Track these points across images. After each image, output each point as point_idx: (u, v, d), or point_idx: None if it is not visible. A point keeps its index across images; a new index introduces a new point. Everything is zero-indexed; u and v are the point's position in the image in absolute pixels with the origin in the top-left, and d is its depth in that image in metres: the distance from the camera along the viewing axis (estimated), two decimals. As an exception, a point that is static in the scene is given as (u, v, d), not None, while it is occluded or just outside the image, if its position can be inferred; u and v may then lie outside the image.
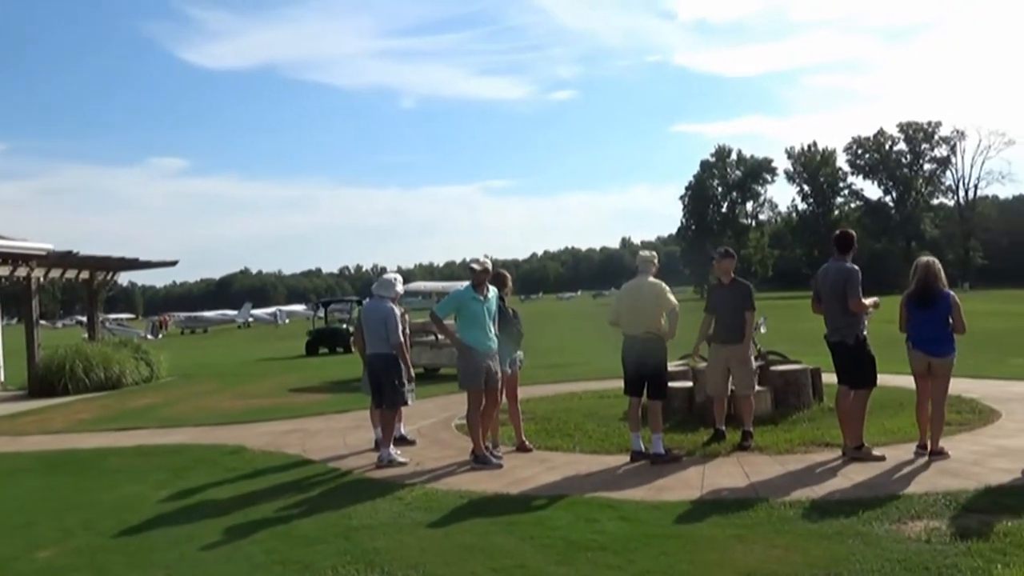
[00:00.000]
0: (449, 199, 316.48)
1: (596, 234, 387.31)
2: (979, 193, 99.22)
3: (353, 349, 14.91)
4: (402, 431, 9.07)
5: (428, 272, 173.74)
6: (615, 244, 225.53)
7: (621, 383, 13.52)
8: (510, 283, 8.71)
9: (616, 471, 7.32)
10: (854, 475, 6.74)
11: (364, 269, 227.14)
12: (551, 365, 17.03)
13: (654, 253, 8.17)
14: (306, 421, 11.52)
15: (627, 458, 7.75)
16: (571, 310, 70.51)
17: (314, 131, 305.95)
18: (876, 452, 7.33)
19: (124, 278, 26.16)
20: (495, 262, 8.39)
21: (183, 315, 79.07)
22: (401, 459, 8.09)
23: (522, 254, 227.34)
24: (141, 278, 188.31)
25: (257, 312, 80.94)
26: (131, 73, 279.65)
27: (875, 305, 7.55)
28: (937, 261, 7.58)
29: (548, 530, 5.53)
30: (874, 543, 4.94)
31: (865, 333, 7.41)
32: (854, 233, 7.84)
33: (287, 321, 73.93)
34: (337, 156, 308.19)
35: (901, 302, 7.56)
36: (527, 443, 8.49)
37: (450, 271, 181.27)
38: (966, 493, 5.94)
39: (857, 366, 7.40)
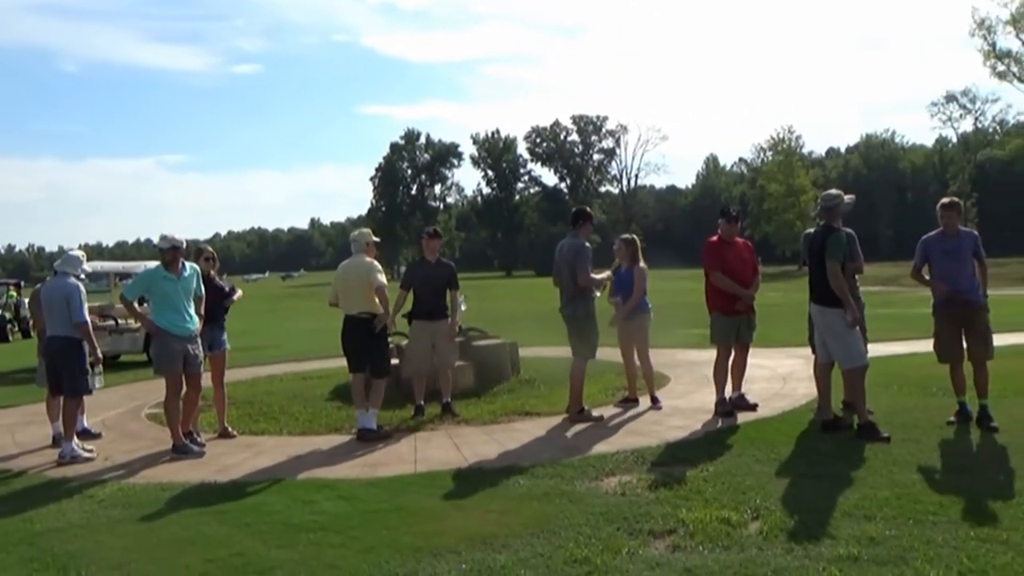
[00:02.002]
0: (119, 174, 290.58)
1: (284, 214, 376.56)
2: (639, 183, 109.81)
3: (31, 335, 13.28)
4: (84, 424, 8.24)
5: (97, 253, 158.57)
6: (304, 225, 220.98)
7: (321, 364, 13.48)
8: (204, 257, 8.19)
9: (328, 451, 7.23)
10: (554, 439, 7.26)
11: (17, 250, 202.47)
12: (246, 348, 16.37)
13: (368, 231, 8.16)
14: (-39, 420, 10.07)
15: (338, 438, 7.69)
16: (260, 292, 68.04)
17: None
18: (595, 413, 8.03)
19: None
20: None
21: None
22: (87, 454, 7.36)
23: (204, 234, 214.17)
24: None
25: None
26: None
27: (610, 279, 8.22)
28: None
29: (264, 515, 5.33)
30: (578, 500, 5.34)
31: (592, 309, 7.97)
32: (587, 209, 8.40)
33: (-80, 309, 63.90)
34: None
35: (613, 273, 8.59)
36: (230, 429, 8.11)
37: (122, 252, 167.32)
38: (650, 449, 6.62)
39: (582, 336, 7.94)
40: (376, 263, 7.81)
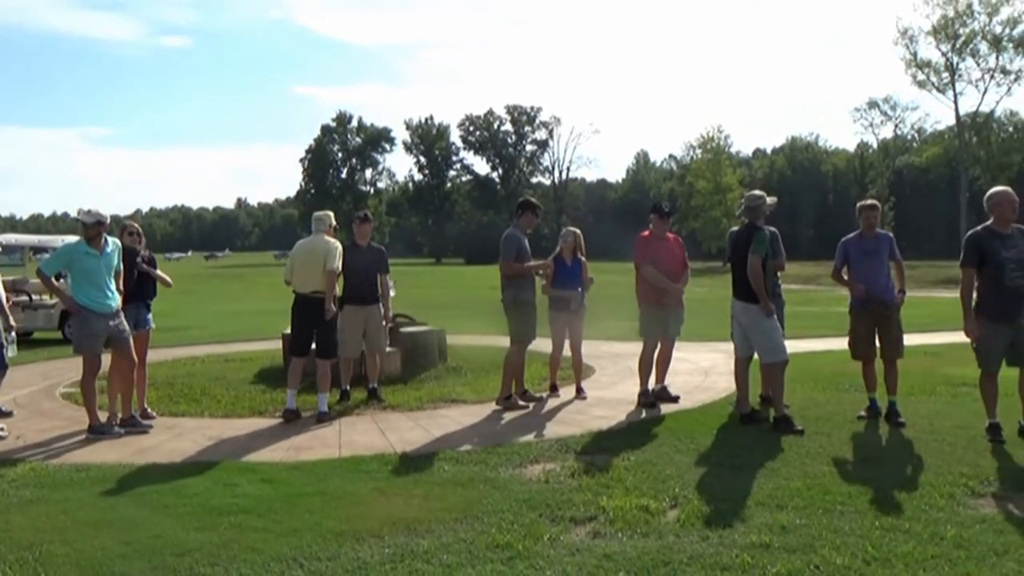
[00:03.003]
0: (37, 144, 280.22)
1: (210, 193, 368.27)
2: (571, 175, 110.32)
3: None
4: (-6, 402, 7.99)
5: (10, 226, 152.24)
6: (230, 204, 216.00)
7: (245, 346, 13.28)
8: (128, 232, 8.01)
9: (252, 434, 7.14)
10: (480, 427, 7.31)
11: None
12: (167, 329, 15.98)
13: (330, 214, 8.20)
14: None
15: (262, 421, 7.63)
16: (182, 272, 66.34)
17: None
18: (520, 403, 8.13)
19: None
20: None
21: None
22: (-2, 432, 7.14)
23: (124, 210, 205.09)
24: None
25: None
26: None
27: (542, 267, 8.29)
28: None
29: (184, 498, 5.25)
30: (501, 486, 5.40)
31: (525, 297, 8.05)
32: (529, 200, 8.55)
33: None
34: None
35: (554, 261, 8.69)
36: (149, 410, 7.95)
37: (37, 225, 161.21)
38: (574, 438, 6.72)
39: (511, 322, 8.07)
40: (338, 245, 7.82)
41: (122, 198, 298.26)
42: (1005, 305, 6.29)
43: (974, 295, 6.48)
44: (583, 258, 8.82)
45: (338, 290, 8.52)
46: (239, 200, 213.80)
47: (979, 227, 6.52)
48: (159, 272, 8.15)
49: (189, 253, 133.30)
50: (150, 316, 8.13)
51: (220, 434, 7.13)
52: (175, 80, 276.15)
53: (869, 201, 7.68)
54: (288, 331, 8.22)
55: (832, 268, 7.72)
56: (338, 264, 7.67)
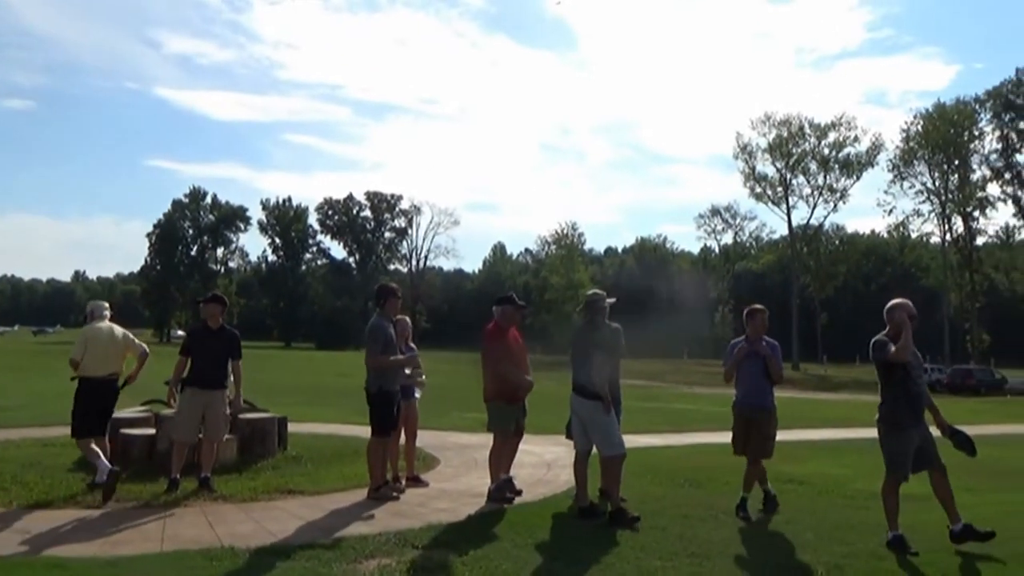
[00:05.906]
0: None
1: (45, 264, 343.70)
2: (428, 264, 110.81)
3: None
4: None
5: None
6: (67, 277, 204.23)
7: (68, 430, 12.43)
8: None
9: (65, 526, 6.60)
10: (316, 520, 7.04)
11: None
12: (-20, 408, 14.78)
13: (105, 303, 8.55)
14: None
15: (79, 512, 7.10)
16: (5, 347, 61.72)
17: None
18: (394, 492, 7.99)
19: None
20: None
21: None
22: None
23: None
24: None
25: None
26: None
27: (409, 362, 8.20)
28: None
29: (-22, 597, 4.80)
30: (333, 583, 5.21)
31: (390, 388, 7.90)
32: (390, 286, 8.40)
33: None
34: None
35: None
36: (-51, 499, 7.28)
37: None
38: (413, 531, 6.58)
39: (373, 415, 7.91)
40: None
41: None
42: (916, 409, 6.59)
43: (880, 406, 6.68)
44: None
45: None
46: (77, 273, 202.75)
47: (881, 335, 6.70)
48: None
49: (16, 327, 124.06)
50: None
51: (28, 526, 6.56)
52: (15, 144, 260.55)
53: (757, 306, 7.92)
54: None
55: (723, 371, 7.95)
56: (143, 343, 8.36)
